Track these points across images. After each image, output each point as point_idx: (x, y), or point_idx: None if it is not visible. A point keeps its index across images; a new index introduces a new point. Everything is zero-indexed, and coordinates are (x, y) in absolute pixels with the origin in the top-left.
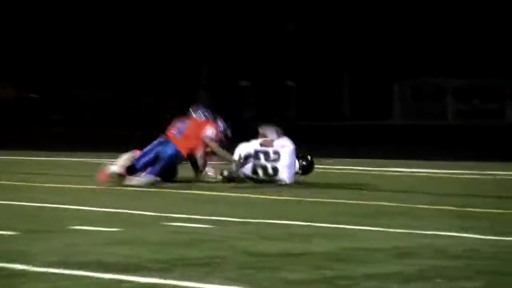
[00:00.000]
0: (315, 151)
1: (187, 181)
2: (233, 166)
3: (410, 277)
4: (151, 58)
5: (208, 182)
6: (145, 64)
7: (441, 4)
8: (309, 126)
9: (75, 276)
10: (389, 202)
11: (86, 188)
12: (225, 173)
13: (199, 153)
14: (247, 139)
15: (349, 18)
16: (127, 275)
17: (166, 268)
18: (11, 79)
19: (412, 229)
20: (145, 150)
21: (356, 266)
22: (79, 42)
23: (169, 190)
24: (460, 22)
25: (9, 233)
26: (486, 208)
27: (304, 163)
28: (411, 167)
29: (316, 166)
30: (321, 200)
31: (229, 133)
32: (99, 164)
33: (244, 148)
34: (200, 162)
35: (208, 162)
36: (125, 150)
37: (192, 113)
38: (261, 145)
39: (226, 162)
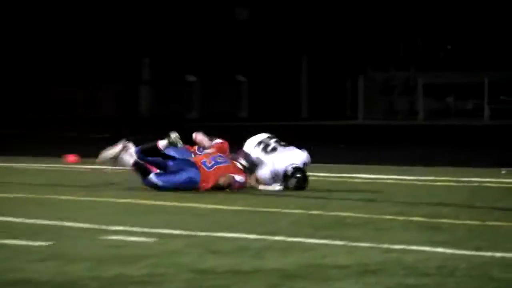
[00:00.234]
0: None
1: (126, 188)
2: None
3: None
4: (84, 48)
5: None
6: (78, 54)
7: None
8: (262, 127)
9: None
10: (353, 212)
11: (8, 197)
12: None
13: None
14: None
15: (309, 5)
16: None
17: (103, 287)
18: None
19: (378, 242)
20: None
21: (314, 285)
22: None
23: (106, 199)
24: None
25: None
26: (460, 219)
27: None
28: (376, 173)
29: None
30: (279, 210)
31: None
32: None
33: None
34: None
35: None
36: (46, 154)
37: (238, 158)
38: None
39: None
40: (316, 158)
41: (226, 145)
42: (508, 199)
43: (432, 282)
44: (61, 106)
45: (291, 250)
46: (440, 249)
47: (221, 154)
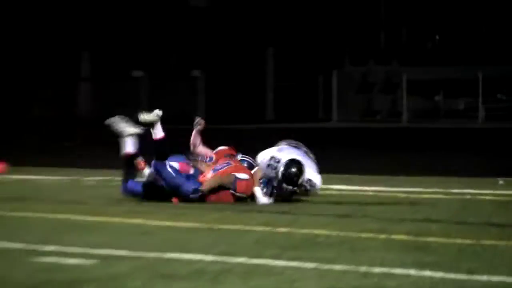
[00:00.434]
0: None
1: (62, 201)
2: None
3: None
4: (13, 41)
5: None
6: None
7: None
8: (222, 130)
9: None
10: (326, 229)
11: None
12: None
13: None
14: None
15: None
16: None
17: None
18: None
19: (355, 265)
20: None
21: None
22: None
23: (38, 214)
24: None
25: None
26: (450, 238)
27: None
28: (352, 184)
29: None
30: (240, 227)
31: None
32: None
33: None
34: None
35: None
36: None
37: (239, 156)
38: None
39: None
40: None
41: (228, 151)
42: (506, 214)
43: None
44: None
45: (254, 273)
46: (427, 273)
47: (224, 161)
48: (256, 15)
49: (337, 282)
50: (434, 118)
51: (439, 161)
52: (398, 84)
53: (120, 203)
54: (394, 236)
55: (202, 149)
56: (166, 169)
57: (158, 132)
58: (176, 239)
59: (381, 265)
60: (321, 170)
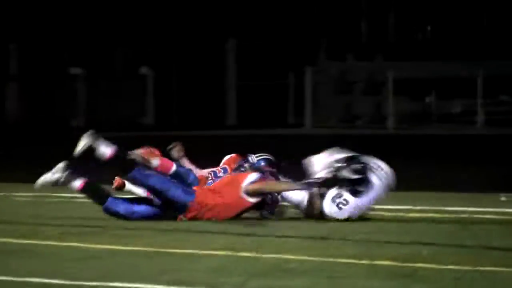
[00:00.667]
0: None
1: None
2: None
3: None
4: None
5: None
6: None
7: None
8: (174, 138)
9: None
10: (299, 253)
11: None
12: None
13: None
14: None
15: None
16: None
17: None
18: None
19: None
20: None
21: None
22: None
23: None
24: None
25: None
26: (444, 264)
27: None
28: None
29: None
30: (196, 251)
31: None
32: None
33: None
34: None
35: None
36: None
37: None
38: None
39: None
40: None
41: (237, 157)
42: (509, 236)
43: None
44: None
45: None
46: None
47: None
48: (215, 0)
49: None
50: (424, 123)
51: (431, 174)
52: (382, 83)
53: (55, 224)
54: (378, 262)
55: (204, 171)
56: (149, 174)
57: (104, 151)
58: (120, 265)
59: None
60: None
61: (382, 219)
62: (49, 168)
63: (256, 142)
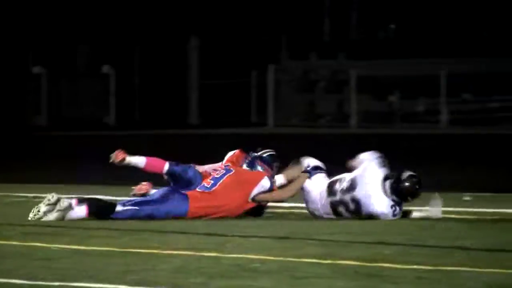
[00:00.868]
0: (150, 176)
1: None
2: None
3: None
4: None
5: None
6: None
7: None
8: (136, 137)
9: None
10: (262, 253)
11: None
12: None
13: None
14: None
15: None
16: None
17: None
18: None
19: None
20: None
21: None
22: None
23: None
24: None
25: None
26: (407, 263)
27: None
28: (292, 200)
29: None
30: (158, 251)
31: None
32: None
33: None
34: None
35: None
36: None
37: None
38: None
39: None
40: None
41: (237, 153)
42: (472, 236)
43: None
44: None
45: None
46: None
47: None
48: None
49: None
50: (388, 122)
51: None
52: (345, 82)
53: (17, 223)
54: (341, 262)
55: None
56: (129, 209)
57: (78, 214)
58: (83, 265)
59: None
60: None
61: (345, 219)
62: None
63: (219, 141)
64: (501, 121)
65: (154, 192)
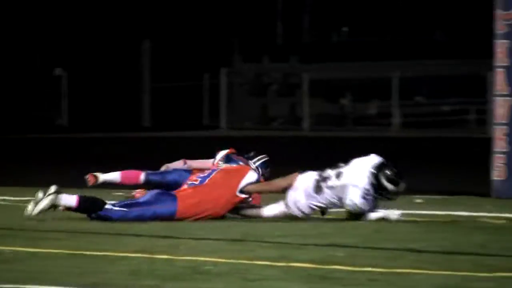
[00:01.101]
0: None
1: None
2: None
3: None
4: None
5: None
6: None
7: None
8: (88, 140)
9: None
10: (214, 255)
11: None
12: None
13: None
14: None
15: None
16: None
17: None
18: None
19: None
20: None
21: None
22: None
23: None
24: None
25: None
26: (359, 266)
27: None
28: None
29: None
30: (111, 253)
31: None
32: None
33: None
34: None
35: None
36: None
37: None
38: None
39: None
40: None
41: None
42: (424, 238)
43: None
44: None
45: None
46: None
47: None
48: (129, 1)
49: None
50: (340, 125)
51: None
52: (298, 85)
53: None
54: (294, 264)
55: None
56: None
57: (68, 201)
58: (36, 267)
59: None
60: None
61: (298, 221)
62: None
63: (171, 144)
64: (453, 124)
65: (144, 194)
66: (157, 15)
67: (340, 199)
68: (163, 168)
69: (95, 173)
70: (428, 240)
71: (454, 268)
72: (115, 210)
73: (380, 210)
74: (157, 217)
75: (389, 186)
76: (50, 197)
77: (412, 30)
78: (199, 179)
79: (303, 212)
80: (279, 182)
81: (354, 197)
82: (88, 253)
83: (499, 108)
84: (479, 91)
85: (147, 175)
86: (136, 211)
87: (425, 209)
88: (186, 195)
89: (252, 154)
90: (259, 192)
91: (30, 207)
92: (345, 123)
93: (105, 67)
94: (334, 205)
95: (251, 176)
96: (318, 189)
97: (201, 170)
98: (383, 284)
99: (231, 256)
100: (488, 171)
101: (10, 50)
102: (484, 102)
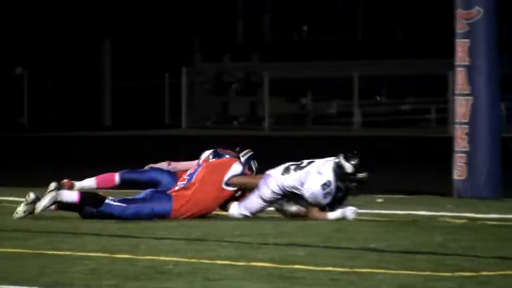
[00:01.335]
0: (59, 175)
1: None
2: None
3: None
4: None
5: None
6: None
7: None
8: (47, 139)
9: None
10: (175, 255)
11: None
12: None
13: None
14: None
15: None
16: None
17: None
18: None
19: None
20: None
21: None
22: None
23: None
24: None
25: None
26: (320, 265)
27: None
28: None
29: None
30: (71, 253)
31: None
32: None
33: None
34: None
35: None
36: None
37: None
38: None
39: None
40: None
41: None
42: (385, 238)
43: None
44: None
45: None
46: None
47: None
48: (90, 1)
49: None
50: (300, 124)
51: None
52: (259, 84)
53: None
54: (254, 264)
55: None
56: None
57: (70, 197)
58: None
59: None
60: None
61: (258, 220)
62: None
63: (132, 143)
64: (414, 123)
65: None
66: (117, 14)
67: (302, 184)
68: (146, 168)
69: (72, 181)
70: (388, 239)
71: (415, 267)
72: (115, 205)
73: (337, 210)
74: (155, 214)
75: (351, 169)
76: (52, 193)
77: (373, 30)
78: (187, 177)
79: (268, 188)
80: (257, 178)
81: (314, 184)
82: (48, 252)
83: (460, 107)
84: (440, 91)
85: (121, 174)
86: (133, 207)
87: (386, 208)
88: (179, 195)
89: (237, 149)
90: (244, 185)
91: (20, 208)
92: (305, 122)
93: (66, 66)
94: (294, 190)
95: (236, 168)
96: (286, 170)
97: (186, 172)
98: (345, 283)
99: (192, 256)
100: (449, 170)
101: None
102: (445, 101)
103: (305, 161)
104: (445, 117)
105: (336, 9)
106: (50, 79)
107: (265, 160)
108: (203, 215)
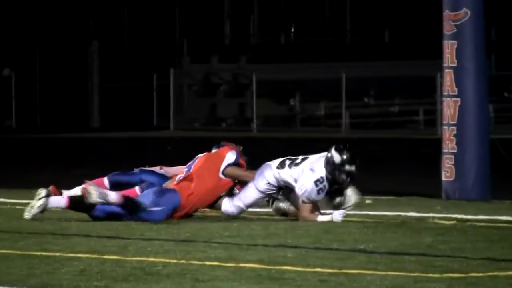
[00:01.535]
0: (48, 176)
1: None
2: None
3: None
4: None
5: None
6: None
7: None
8: (37, 140)
9: None
10: (165, 256)
11: None
12: None
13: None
14: None
15: None
16: None
17: None
18: None
19: None
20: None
21: None
22: None
23: None
24: None
25: None
26: (309, 267)
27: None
28: None
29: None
30: (60, 254)
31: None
32: None
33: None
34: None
35: None
36: None
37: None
38: None
39: None
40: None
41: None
42: (374, 239)
43: None
44: None
45: None
46: None
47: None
48: (77, 2)
49: None
50: (288, 126)
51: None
52: (247, 85)
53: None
54: (243, 265)
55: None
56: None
57: (58, 201)
58: None
59: None
60: None
61: (247, 221)
62: None
63: (121, 144)
64: (402, 125)
65: (143, 193)
66: (105, 15)
67: (295, 181)
68: (136, 171)
69: (60, 190)
70: (377, 241)
71: (404, 269)
72: (155, 211)
73: (326, 215)
74: (166, 215)
75: (339, 160)
76: (42, 201)
77: (361, 31)
78: (186, 169)
79: (264, 178)
80: (251, 173)
81: (307, 182)
82: (37, 253)
83: (448, 108)
84: (428, 92)
85: (110, 177)
86: (160, 210)
87: (374, 209)
88: (182, 186)
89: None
90: (239, 177)
91: (35, 203)
92: (293, 124)
93: (54, 67)
94: (288, 185)
95: (230, 157)
96: (281, 164)
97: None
98: (334, 284)
99: (181, 257)
100: (437, 171)
101: None
102: (433, 102)
103: (300, 157)
104: (433, 118)
105: (324, 11)
106: (38, 80)
107: (253, 161)
108: (204, 207)
